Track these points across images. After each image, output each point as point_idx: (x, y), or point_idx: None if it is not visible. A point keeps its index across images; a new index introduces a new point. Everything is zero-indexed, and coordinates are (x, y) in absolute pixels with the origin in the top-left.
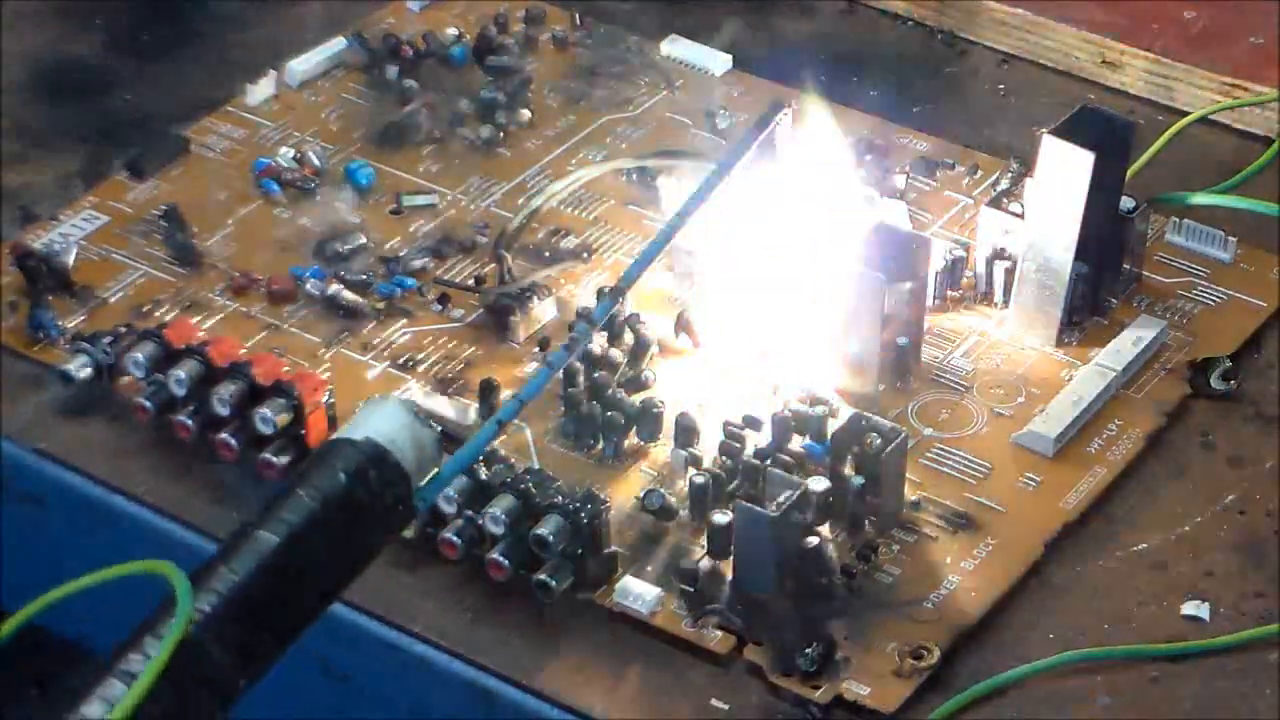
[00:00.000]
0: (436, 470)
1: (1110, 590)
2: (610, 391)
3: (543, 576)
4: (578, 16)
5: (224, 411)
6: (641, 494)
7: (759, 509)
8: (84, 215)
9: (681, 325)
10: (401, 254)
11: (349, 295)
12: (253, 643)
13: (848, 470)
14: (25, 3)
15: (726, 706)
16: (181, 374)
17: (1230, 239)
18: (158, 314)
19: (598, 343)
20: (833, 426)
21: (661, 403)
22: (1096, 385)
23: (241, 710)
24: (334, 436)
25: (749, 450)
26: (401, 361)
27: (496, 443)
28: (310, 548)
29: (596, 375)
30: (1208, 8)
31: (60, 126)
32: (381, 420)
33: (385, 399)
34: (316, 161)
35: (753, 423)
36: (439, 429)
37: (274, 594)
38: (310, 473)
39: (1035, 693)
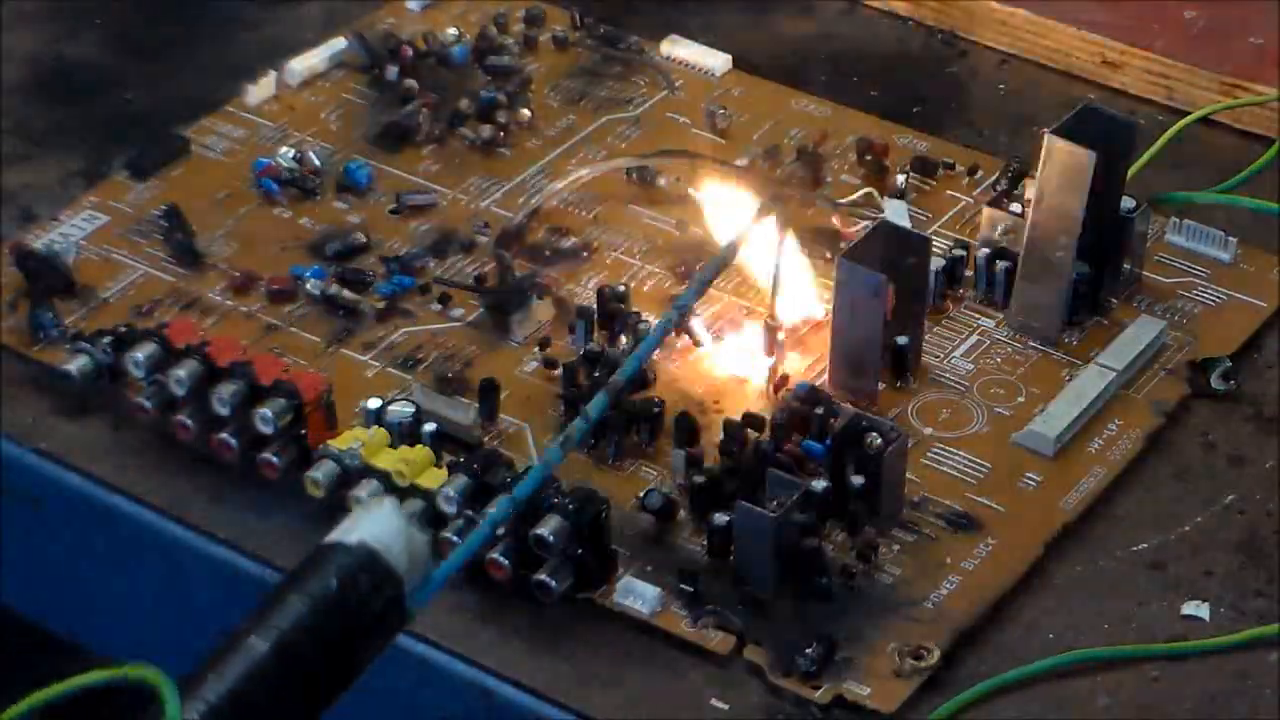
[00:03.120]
0: (430, 573)
1: (1110, 590)
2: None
3: (543, 576)
4: (578, 16)
5: (224, 411)
6: (641, 494)
7: (759, 509)
8: (84, 215)
9: (683, 326)
10: (401, 254)
11: (349, 295)
12: None
13: (848, 470)
14: (25, 3)
15: (726, 706)
16: (181, 374)
17: (1230, 239)
18: (158, 314)
19: (597, 342)
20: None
21: (661, 402)
22: (1096, 385)
23: None
24: (326, 540)
25: (749, 450)
26: (401, 361)
27: (496, 443)
28: (300, 653)
29: (596, 375)
30: (1208, 8)
31: (60, 126)
32: (374, 523)
33: (379, 502)
34: (316, 161)
35: (753, 423)
36: (430, 534)
37: (264, 701)
38: (301, 577)
39: (1035, 693)
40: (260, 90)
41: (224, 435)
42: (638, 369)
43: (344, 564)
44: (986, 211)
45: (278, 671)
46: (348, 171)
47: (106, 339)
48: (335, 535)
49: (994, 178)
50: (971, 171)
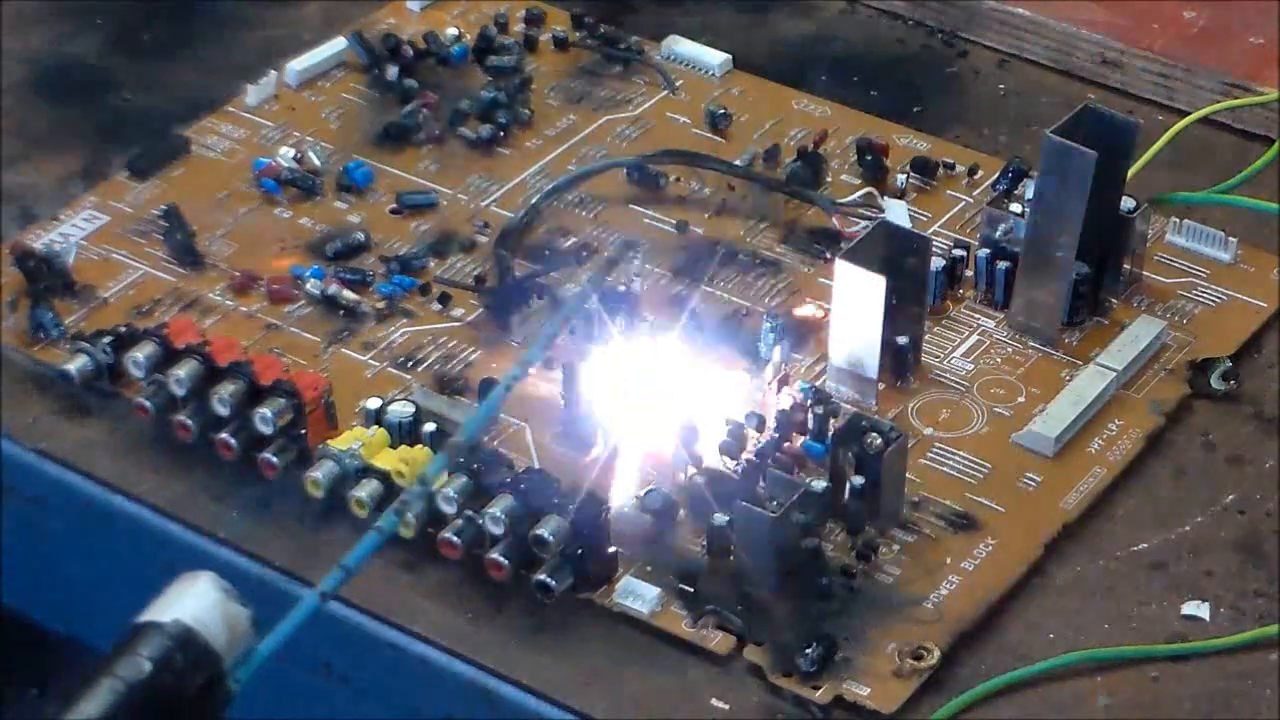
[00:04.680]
0: (252, 647)
1: (1110, 590)
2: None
3: (543, 576)
4: (578, 16)
5: (224, 411)
6: (641, 494)
7: (759, 509)
8: (84, 215)
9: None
10: (401, 254)
11: (349, 295)
12: None
13: (847, 470)
14: (25, 3)
15: (726, 706)
16: (181, 374)
17: (1230, 239)
18: (158, 314)
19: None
20: (832, 426)
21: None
22: (1096, 385)
23: (243, 710)
24: (139, 619)
25: (749, 450)
26: (401, 361)
27: (495, 442)
28: None
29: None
30: (1208, 8)
31: (60, 126)
32: (190, 599)
33: (195, 576)
34: (316, 161)
35: (753, 422)
36: (250, 609)
37: None
38: (114, 659)
39: (1035, 693)
40: (260, 90)
41: (224, 435)
42: (476, 434)
43: (157, 644)
44: (986, 211)
45: None
46: (348, 171)
47: (106, 339)
48: (148, 614)
49: (994, 178)
50: (971, 171)
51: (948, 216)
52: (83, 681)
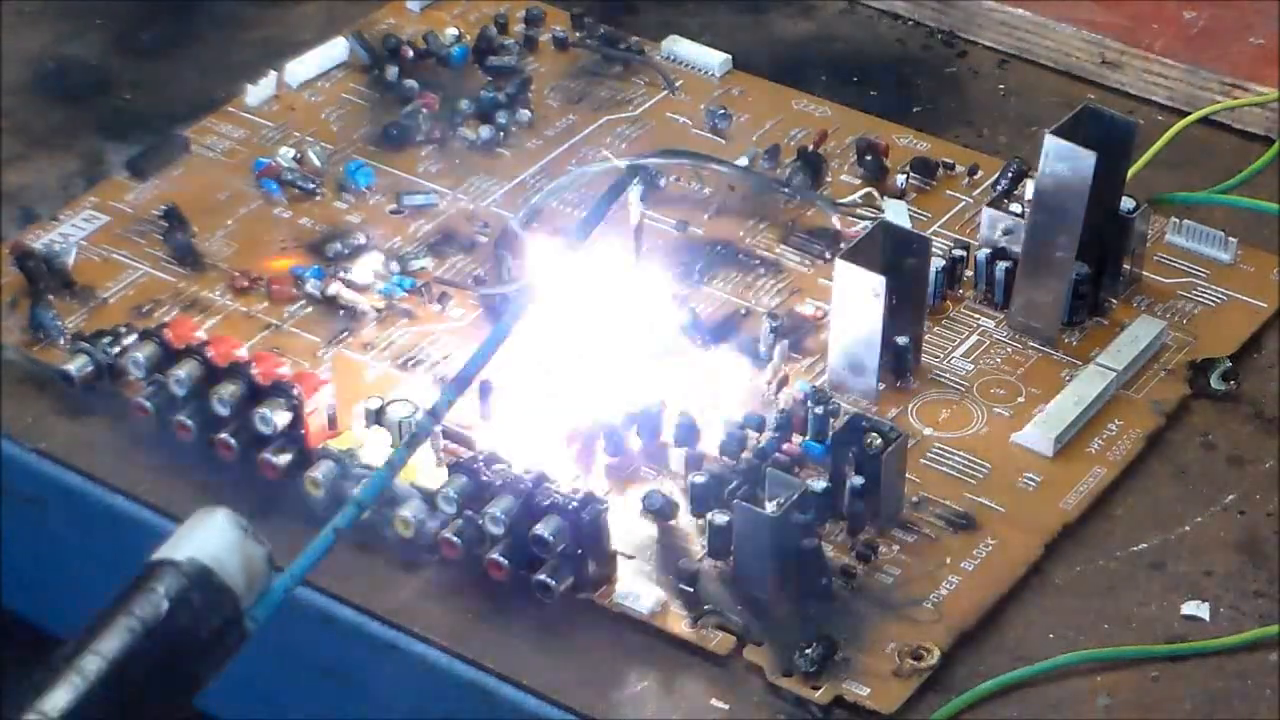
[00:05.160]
0: (269, 586)
1: (1110, 590)
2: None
3: (543, 576)
4: (578, 16)
5: (224, 411)
6: (642, 494)
7: (759, 509)
8: (84, 215)
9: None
10: (401, 254)
11: (349, 295)
12: None
13: (848, 470)
14: (25, 2)
15: (726, 706)
16: (181, 374)
17: (1230, 239)
18: (158, 314)
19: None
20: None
21: (661, 402)
22: (1096, 385)
23: (243, 711)
24: (155, 556)
25: (749, 450)
26: (401, 361)
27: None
28: (132, 679)
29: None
30: (1208, 8)
31: (60, 126)
32: (207, 537)
33: (212, 513)
34: (316, 161)
35: (753, 423)
36: (267, 546)
37: None
38: (130, 598)
39: (1035, 693)
40: (260, 90)
41: (224, 435)
42: (489, 356)
43: (174, 583)
44: (986, 211)
45: (107, 700)
46: (348, 171)
47: (106, 339)
48: (165, 551)
49: (994, 178)
50: (971, 171)
51: (948, 216)
52: (98, 618)
